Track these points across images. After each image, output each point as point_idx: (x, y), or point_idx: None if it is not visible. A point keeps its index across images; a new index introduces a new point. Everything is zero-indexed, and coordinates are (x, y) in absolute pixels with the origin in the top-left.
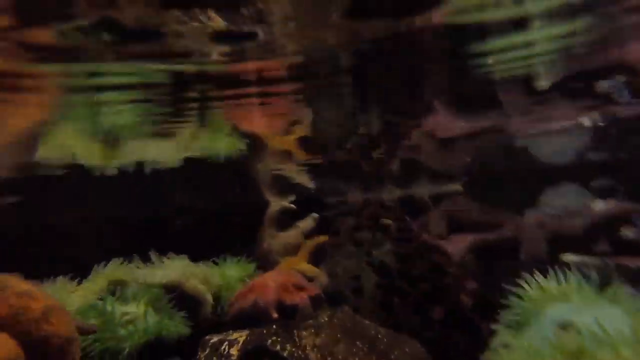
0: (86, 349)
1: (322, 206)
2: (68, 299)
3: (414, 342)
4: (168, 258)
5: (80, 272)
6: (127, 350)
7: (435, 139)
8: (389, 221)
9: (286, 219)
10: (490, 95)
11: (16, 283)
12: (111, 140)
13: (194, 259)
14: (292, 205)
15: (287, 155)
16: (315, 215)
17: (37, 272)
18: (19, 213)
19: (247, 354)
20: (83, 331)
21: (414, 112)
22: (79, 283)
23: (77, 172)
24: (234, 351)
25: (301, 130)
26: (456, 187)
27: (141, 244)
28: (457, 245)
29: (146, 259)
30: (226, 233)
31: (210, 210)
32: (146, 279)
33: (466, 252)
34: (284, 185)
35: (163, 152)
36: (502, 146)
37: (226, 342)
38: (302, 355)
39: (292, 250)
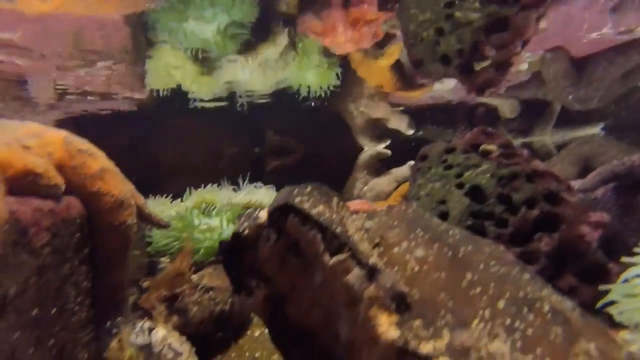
0: (167, 245)
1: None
2: (165, 211)
3: (498, 246)
4: (255, 187)
5: (179, 195)
6: (201, 251)
7: (565, 57)
8: (491, 146)
9: (380, 165)
10: None
11: (81, 141)
12: (202, 59)
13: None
14: (387, 151)
15: (382, 93)
16: (412, 163)
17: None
18: (131, 136)
19: (273, 210)
20: (156, 223)
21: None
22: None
23: (180, 100)
24: (263, 214)
25: (395, 51)
26: (594, 129)
27: (234, 175)
28: (584, 177)
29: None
30: (317, 174)
31: (302, 150)
32: (230, 199)
33: (596, 181)
34: (379, 129)
35: (253, 78)
36: None
37: (259, 209)
38: (337, 220)
39: (384, 198)
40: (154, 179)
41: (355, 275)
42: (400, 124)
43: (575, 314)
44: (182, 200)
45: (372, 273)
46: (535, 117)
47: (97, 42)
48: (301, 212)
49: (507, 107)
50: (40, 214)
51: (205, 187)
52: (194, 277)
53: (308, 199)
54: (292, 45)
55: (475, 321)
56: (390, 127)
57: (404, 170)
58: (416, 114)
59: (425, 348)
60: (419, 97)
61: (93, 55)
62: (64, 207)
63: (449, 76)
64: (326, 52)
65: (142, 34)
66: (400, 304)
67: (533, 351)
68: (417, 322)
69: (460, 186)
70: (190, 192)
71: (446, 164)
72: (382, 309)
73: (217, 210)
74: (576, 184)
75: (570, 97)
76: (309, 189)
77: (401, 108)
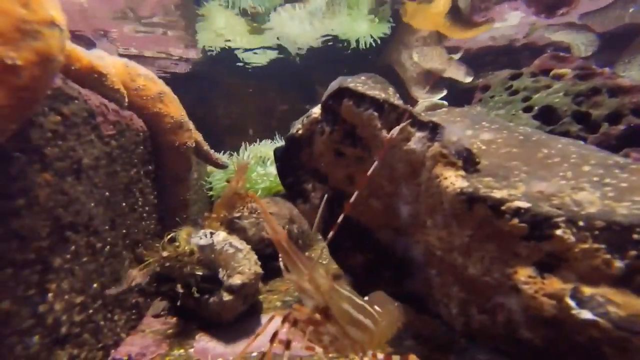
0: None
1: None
2: None
3: (578, 140)
4: None
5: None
6: (259, 192)
7: None
8: (564, 70)
9: None
10: None
11: (141, 68)
12: (251, 14)
13: None
14: (443, 102)
15: (436, 41)
16: None
17: None
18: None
19: (327, 98)
20: (214, 161)
21: None
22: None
23: (231, 60)
24: (316, 109)
25: None
26: None
27: (286, 131)
28: None
29: None
30: None
31: None
32: None
33: None
34: (433, 79)
35: (302, 30)
36: None
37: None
38: (389, 100)
39: None
40: (211, 137)
41: (416, 138)
42: (457, 72)
43: None
44: (238, 155)
45: (434, 132)
46: (618, 50)
47: (151, 4)
48: (356, 93)
49: (582, 42)
50: (106, 108)
51: (260, 142)
52: (252, 204)
53: (363, 85)
54: None
55: (556, 179)
56: (446, 76)
57: None
58: (475, 60)
59: (499, 194)
60: (477, 35)
61: (149, 17)
62: (128, 115)
63: None
64: (377, 1)
65: None
66: (468, 160)
67: (629, 199)
68: (488, 178)
69: (528, 110)
70: (246, 147)
71: (511, 90)
72: (447, 165)
73: (272, 161)
74: None
75: None
76: (363, 77)
77: (458, 55)
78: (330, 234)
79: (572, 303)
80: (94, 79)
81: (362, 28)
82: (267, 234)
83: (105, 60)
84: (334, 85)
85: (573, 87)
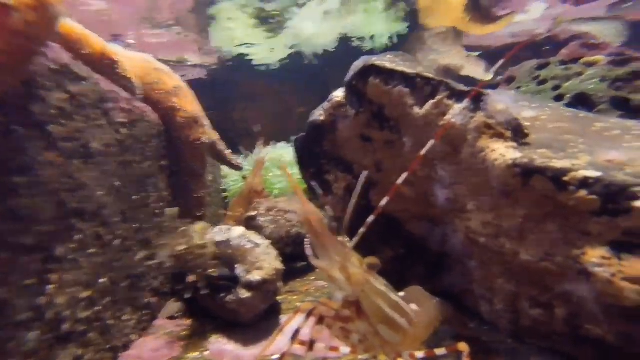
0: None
1: None
2: None
3: (631, 120)
4: None
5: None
6: (275, 192)
7: None
8: (597, 57)
9: None
10: None
11: (157, 62)
12: (266, 16)
13: None
14: None
15: (453, 35)
16: None
17: None
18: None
19: (351, 79)
20: (228, 161)
21: None
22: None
23: (246, 63)
24: (338, 92)
25: None
26: None
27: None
28: None
29: None
30: None
31: None
32: None
33: None
34: (451, 76)
35: (317, 29)
36: None
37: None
38: (422, 73)
39: None
40: (227, 141)
41: (455, 111)
42: (476, 69)
43: None
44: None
45: (477, 101)
46: None
47: (167, 9)
48: (384, 69)
49: (609, 33)
50: (117, 95)
51: (276, 145)
52: (270, 202)
53: (390, 62)
54: None
55: (623, 149)
56: (463, 74)
57: None
58: (495, 57)
59: (559, 163)
60: (499, 30)
61: (165, 22)
62: (141, 106)
63: None
64: None
65: None
66: (517, 131)
67: None
68: (543, 150)
69: (559, 98)
70: (259, 148)
71: (539, 80)
72: (495, 137)
73: (289, 162)
74: None
75: None
76: (389, 55)
77: (477, 53)
78: (346, 219)
79: None
80: (105, 65)
81: (378, 26)
82: (285, 232)
83: (121, 54)
84: (358, 64)
85: (610, 72)
